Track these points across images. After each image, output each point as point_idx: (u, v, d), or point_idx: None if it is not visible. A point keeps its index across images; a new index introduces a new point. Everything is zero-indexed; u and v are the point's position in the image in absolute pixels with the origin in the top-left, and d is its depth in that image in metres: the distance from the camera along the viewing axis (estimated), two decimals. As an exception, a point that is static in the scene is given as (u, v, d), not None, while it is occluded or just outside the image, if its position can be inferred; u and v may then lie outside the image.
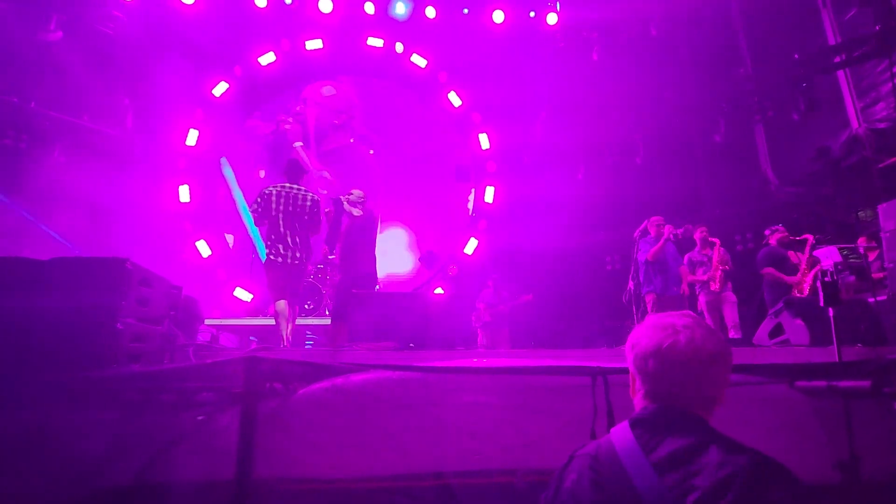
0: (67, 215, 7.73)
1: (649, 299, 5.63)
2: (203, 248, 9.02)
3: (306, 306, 7.71)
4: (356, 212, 4.97)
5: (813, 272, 5.24)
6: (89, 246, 7.59)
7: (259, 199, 4.59)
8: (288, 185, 4.65)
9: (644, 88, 8.90)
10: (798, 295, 5.14)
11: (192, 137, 9.17)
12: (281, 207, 4.53)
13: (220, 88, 9.31)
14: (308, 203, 4.65)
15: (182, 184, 9.06)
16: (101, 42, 8.37)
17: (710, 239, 5.84)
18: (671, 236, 5.66)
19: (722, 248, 5.77)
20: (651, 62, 8.93)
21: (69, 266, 2.42)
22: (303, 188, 4.71)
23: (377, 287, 5.60)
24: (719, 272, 5.65)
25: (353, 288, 4.63)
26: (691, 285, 5.81)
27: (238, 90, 9.46)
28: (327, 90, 10.38)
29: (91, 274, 2.33)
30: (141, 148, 8.88)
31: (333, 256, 5.80)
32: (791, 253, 5.52)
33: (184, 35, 8.82)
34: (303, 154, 10.14)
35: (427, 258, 9.66)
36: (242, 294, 8.92)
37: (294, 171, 4.75)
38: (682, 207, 8.47)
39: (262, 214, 4.56)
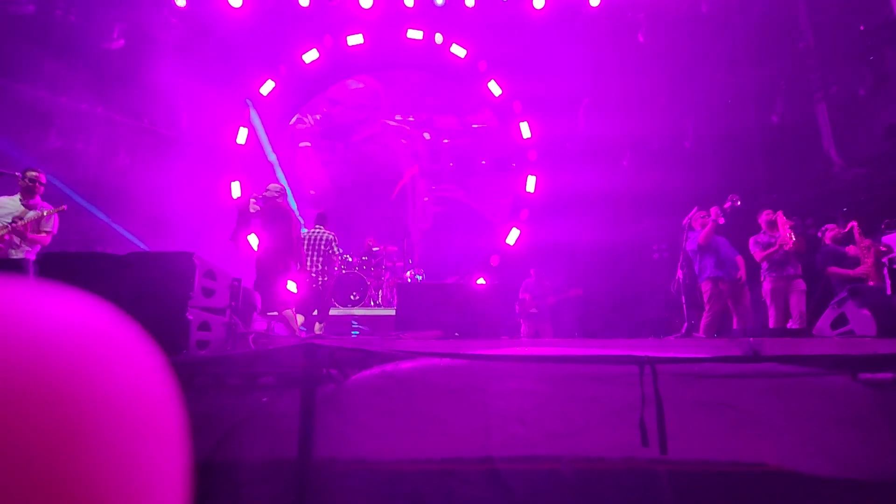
0: (132, 212, 8.31)
1: (705, 288, 5.42)
2: (254, 242, 9.44)
3: (352, 297, 7.94)
4: (253, 208, 4.99)
5: (872, 257, 4.98)
6: (152, 240, 8.13)
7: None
8: (316, 228, 6.25)
9: (694, 69, 8.53)
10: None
11: (242, 136, 9.59)
12: (306, 243, 6.09)
13: (268, 87, 9.66)
14: (323, 240, 6.15)
15: (234, 180, 9.50)
16: (158, 48, 8.86)
17: (771, 217, 5.57)
18: (718, 218, 5.38)
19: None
20: (702, 41, 8.53)
21: (143, 260, 2.63)
22: (323, 230, 6.22)
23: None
24: (787, 230, 5.32)
25: (261, 287, 4.67)
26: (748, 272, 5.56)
27: (284, 88, 9.78)
28: (353, 84, 10.56)
29: (162, 267, 2.53)
30: (196, 147, 9.37)
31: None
32: (850, 248, 5.26)
33: (232, 37, 9.20)
34: (306, 153, 10.43)
35: (469, 249, 9.69)
36: (292, 286, 9.28)
37: (321, 219, 6.36)
38: (734, 192, 8.08)
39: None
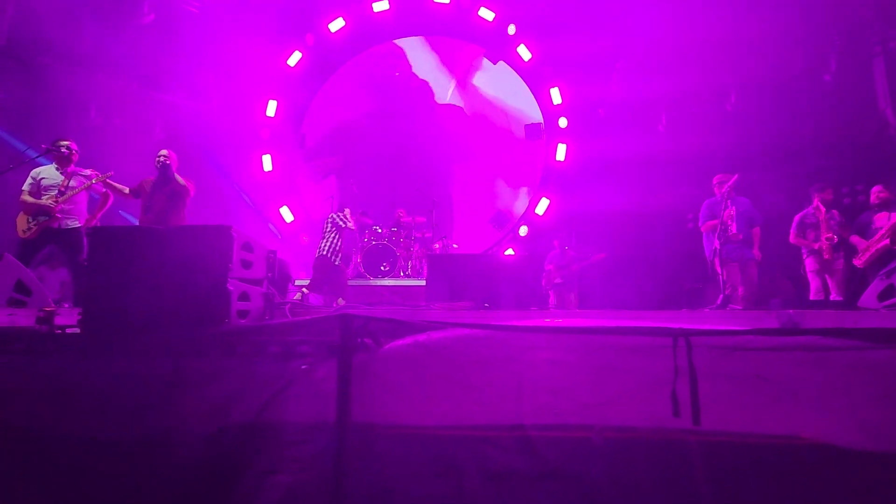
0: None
1: (717, 262, 5.43)
2: (286, 214, 9.64)
3: (382, 268, 8.06)
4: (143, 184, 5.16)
5: (881, 244, 4.83)
6: (189, 214, 8.40)
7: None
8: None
9: (738, 25, 8.00)
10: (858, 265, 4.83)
11: (272, 108, 9.66)
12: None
13: (295, 58, 9.64)
14: (328, 221, 6.91)
15: (265, 153, 9.64)
16: (188, 21, 8.92)
17: (821, 207, 5.44)
18: (725, 225, 5.29)
19: (836, 219, 5.35)
20: (747, -6, 7.98)
21: (184, 233, 2.74)
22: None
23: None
24: (825, 239, 5.27)
25: None
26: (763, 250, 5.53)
27: (311, 58, 9.74)
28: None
29: (201, 240, 2.62)
30: (227, 121, 9.51)
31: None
32: (881, 216, 5.06)
33: (259, 7, 9.16)
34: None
35: (497, 219, 9.64)
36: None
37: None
38: (780, 157, 7.71)
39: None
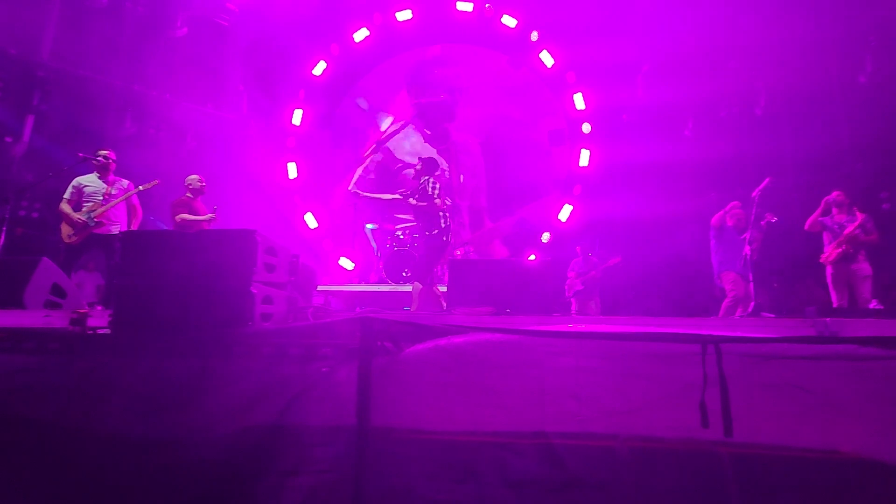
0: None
1: (727, 277, 5.54)
2: (310, 221, 9.78)
3: (403, 274, 8.07)
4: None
5: None
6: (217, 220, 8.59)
7: None
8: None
9: (768, 27, 7.81)
10: None
11: (297, 117, 9.84)
12: None
13: (320, 68, 9.83)
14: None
15: (290, 161, 9.82)
16: (219, 34, 9.21)
17: (841, 200, 5.34)
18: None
19: (857, 228, 5.17)
20: (778, -6, 7.79)
21: (209, 237, 2.79)
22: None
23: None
24: (840, 250, 5.20)
25: None
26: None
27: (336, 68, 9.91)
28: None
29: (227, 244, 2.67)
30: (254, 129, 9.74)
31: None
32: None
33: (286, 19, 9.39)
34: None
35: (520, 225, 9.56)
36: (346, 263, 9.58)
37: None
38: (814, 162, 7.45)
39: None
